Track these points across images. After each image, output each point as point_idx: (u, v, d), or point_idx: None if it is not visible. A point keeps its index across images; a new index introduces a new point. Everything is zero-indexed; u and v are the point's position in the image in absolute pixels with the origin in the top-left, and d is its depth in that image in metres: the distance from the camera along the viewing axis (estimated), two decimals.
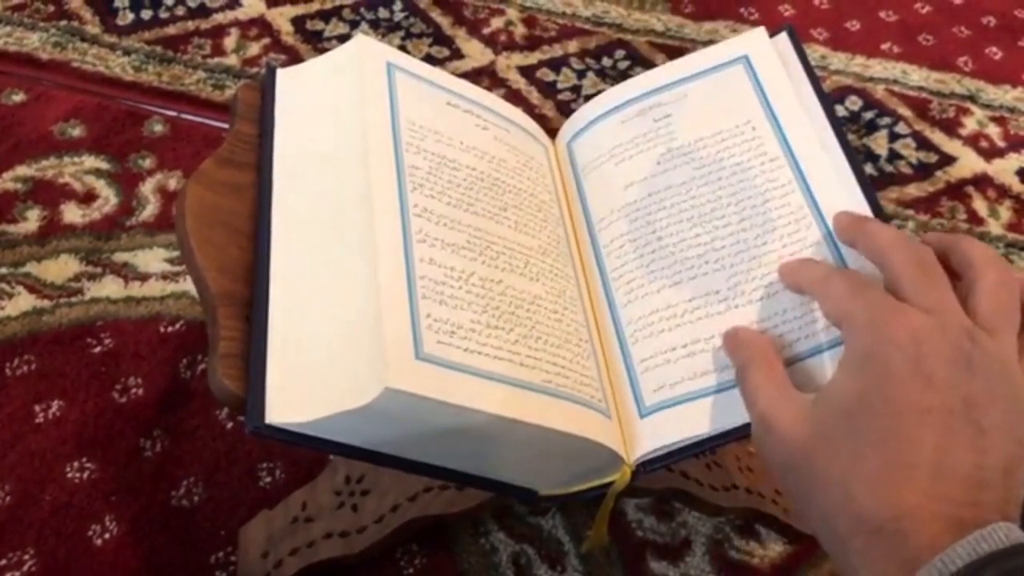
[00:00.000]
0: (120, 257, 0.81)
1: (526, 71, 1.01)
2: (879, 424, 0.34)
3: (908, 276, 0.39)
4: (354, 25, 1.05)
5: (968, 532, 0.31)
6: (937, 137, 0.97)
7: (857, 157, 0.51)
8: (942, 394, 0.35)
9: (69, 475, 0.68)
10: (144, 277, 0.80)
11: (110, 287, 0.79)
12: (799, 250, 0.48)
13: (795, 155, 0.50)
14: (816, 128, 0.51)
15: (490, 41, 1.04)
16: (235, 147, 0.52)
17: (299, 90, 0.54)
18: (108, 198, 0.85)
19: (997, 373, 0.36)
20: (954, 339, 0.36)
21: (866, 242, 0.43)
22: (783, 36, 0.55)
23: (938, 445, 0.34)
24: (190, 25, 1.03)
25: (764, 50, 0.55)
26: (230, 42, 1.01)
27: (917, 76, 1.03)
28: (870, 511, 0.33)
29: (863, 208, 0.47)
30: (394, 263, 0.43)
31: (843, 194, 0.48)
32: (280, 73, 0.55)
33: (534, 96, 0.99)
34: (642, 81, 0.57)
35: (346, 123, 0.50)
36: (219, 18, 1.04)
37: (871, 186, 0.49)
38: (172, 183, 0.87)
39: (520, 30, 1.06)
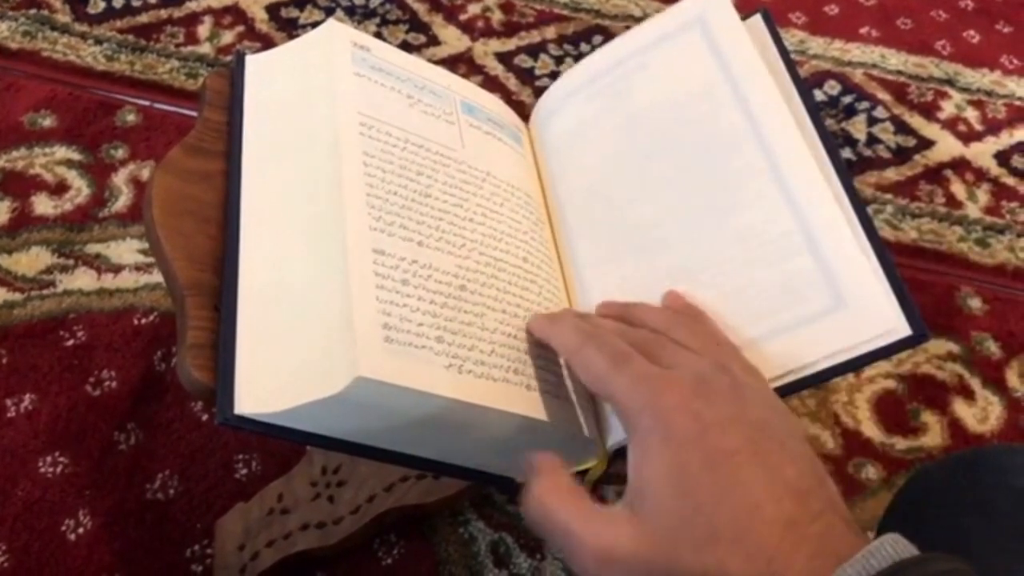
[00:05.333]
0: (93, 249, 0.80)
1: (503, 57, 1.01)
2: (707, 489, 0.34)
3: (640, 348, 0.40)
4: (329, 12, 1.03)
5: (824, 545, 0.32)
6: (915, 121, 0.97)
7: (835, 142, 0.51)
8: (736, 431, 0.36)
9: (42, 470, 0.68)
10: (117, 269, 0.79)
11: (83, 279, 0.78)
12: (762, 220, 0.47)
13: (755, 120, 0.49)
14: (778, 87, 0.50)
15: (467, 27, 1.03)
16: (204, 135, 0.51)
17: (269, 77, 0.53)
18: (80, 189, 0.84)
19: (754, 389, 0.39)
20: (715, 381, 0.38)
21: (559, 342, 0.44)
22: (757, 19, 0.54)
23: (762, 477, 0.34)
24: (163, 13, 1.01)
25: (720, 10, 0.53)
26: (204, 30, 1.00)
27: (895, 60, 1.03)
28: (747, 573, 0.33)
29: (816, 178, 0.46)
30: (364, 252, 0.43)
31: (806, 158, 0.47)
32: (249, 60, 0.54)
33: (512, 83, 0.98)
34: (604, 55, 0.57)
35: (315, 110, 0.49)
36: (192, 6, 1.02)
37: (847, 171, 0.48)
38: (145, 173, 0.86)
39: (497, 16, 1.05)
